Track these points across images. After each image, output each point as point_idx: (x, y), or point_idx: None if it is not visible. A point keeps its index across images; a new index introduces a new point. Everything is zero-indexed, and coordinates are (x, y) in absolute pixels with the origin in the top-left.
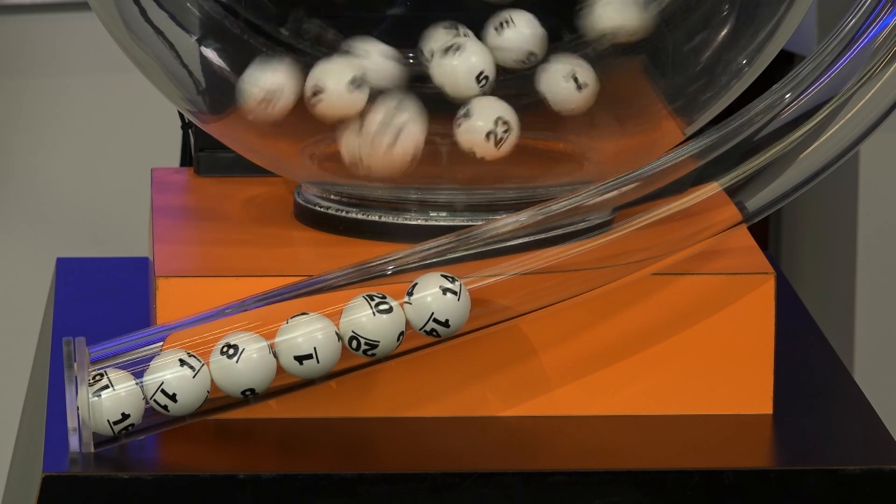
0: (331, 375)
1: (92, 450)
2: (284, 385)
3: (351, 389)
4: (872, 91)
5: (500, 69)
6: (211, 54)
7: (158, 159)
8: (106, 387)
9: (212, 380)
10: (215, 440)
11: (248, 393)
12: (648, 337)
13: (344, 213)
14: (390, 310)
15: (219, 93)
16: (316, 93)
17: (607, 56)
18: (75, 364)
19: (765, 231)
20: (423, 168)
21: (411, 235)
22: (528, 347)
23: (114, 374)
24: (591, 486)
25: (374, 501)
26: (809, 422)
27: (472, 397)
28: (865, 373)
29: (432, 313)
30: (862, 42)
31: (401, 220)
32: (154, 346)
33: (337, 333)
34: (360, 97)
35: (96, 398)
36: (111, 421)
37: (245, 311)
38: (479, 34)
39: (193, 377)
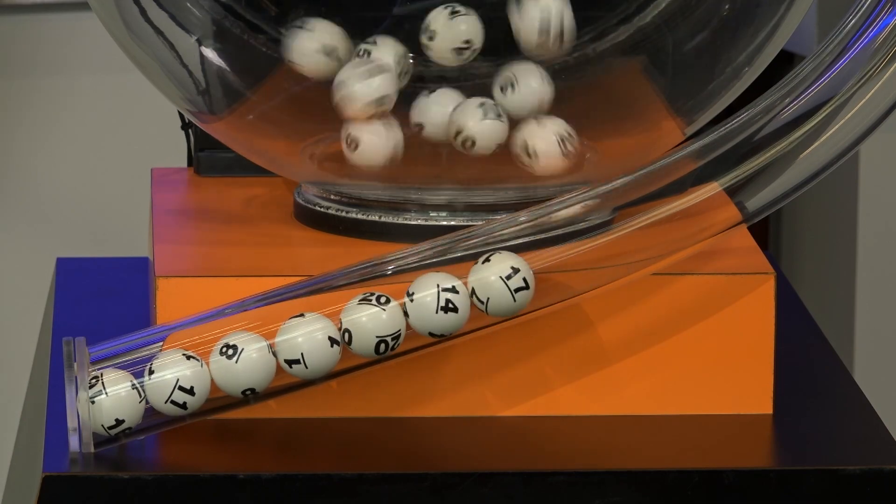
0: (331, 375)
1: (92, 450)
2: (284, 385)
3: (351, 389)
4: (872, 91)
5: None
6: (211, 54)
7: (158, 159)
8: (99, 392)
9: (212, 380)
10: (215, 440)
11: (248, 393)
12: (648, 337)
13: (344, 213)
14: (390, 309)
15: (219, 93)
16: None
17: (607, 56)
18: (75, 364)
19: (765, 231)
20: (423, 168)
21: (411, 235)
22: (528, 347)
23: (108, 377)
24: (591, 486)
25: (374, 501)
26: (809, 422)
27: (472, 397)
28: (865, 373)
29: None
30: (862, 42)
31: (401, 220)
32: (154, 346)
33: (331, 337)
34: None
35: (91, 403)
36: (105, 426)
37: (245, 311)
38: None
39: (201, 367)
